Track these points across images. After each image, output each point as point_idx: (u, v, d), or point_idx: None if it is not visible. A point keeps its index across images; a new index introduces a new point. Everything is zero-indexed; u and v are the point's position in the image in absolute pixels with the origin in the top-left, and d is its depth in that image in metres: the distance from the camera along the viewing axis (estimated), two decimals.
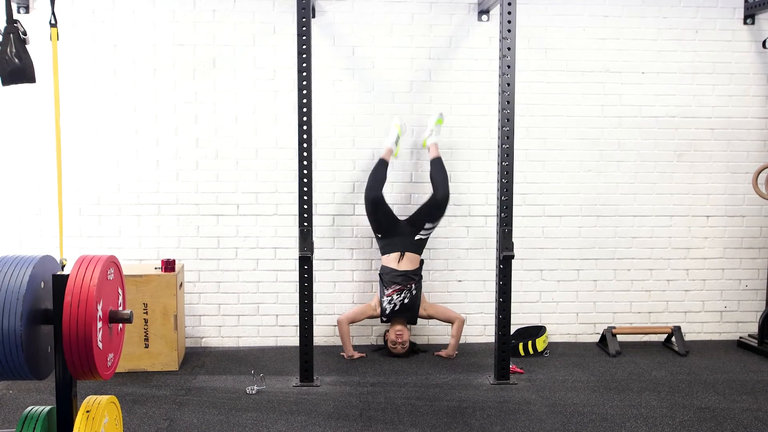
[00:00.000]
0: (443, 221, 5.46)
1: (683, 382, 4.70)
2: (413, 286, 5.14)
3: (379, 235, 5.26)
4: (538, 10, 5.42)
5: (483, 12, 5.41)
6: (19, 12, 5.07)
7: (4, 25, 4.08)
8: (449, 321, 5.24)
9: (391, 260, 5.18)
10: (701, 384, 4.66)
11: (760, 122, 5.60)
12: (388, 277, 5.15)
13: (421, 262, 5.25)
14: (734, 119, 5.59)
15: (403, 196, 5.48)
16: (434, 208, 5.22)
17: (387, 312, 5.14)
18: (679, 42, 5.53)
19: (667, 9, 5.51)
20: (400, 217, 5.30)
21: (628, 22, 5.50)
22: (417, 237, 5.21)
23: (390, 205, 5.27)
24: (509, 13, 4.47)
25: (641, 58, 5.52)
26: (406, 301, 5.12)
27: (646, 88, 5.54)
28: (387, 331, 5.26)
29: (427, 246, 5.39)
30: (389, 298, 5.12)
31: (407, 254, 5.19)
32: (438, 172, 5.26)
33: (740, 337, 5.60)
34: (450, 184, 5.43)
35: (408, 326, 5.23)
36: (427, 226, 5.23)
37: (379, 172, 5.26)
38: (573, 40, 5.49)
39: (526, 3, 5.33)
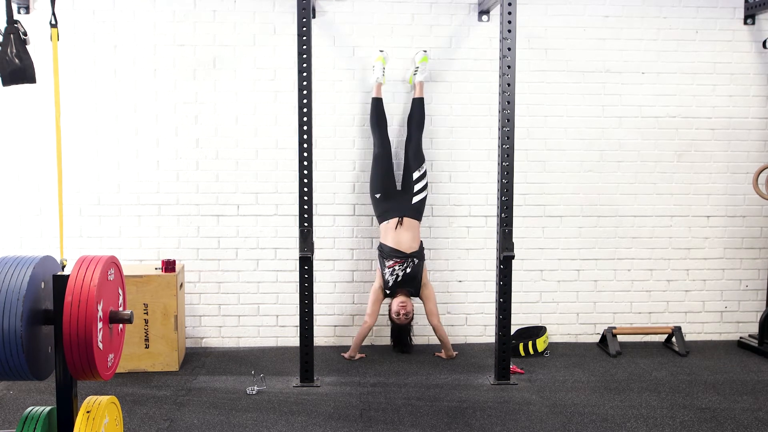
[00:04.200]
0: (443, 221, 5.47)
1: (684, 382, 4.70)
2: (415, 258, 5.12)
3: (378, 195, 5.22)
4: (538, 10, 5.42)
5: (483, 12, 5.40)
6: (19, 12, 5.07)
7: (5, 25, 4.09)
8: (429, 317, 5.17)
9: (390, 229, 5.13)
10: (702, 384, 4.66)
11: (760, 122, 5.60)
12: (387, 253, 5.12)
13: (422, 245, 5.21)
14: (734, 119, 5.59)
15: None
16: (413, 154, 5.26)
17: (390, 284, 5.10)
18: (679, 42, 5.53)
19: (667, 9, 5.51)
20: (397, 188, 5.32)
21: (629, 22, 5.50)
22: (414, 200, 5.19)
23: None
24: (509, 13, 4.47)
25: (641, 59, 5.52)
26: (408, 270, 5.09)
27: (647, 88, 5.54)
28: (390, 303, 5.22)
29: (427, 246, 5.39)
30: (391, 269, 5.09)
31: (406, 220, 5.14)
32: (417, 114, 5.31)
33: (740, 338, 5.60)
34: (450, 185, 5.44)
35: (410, 297, 5.19)
36: (416, 176, 5.22)
37: (379, 117, 5.29)
38: (573, 41, 5.49)
39: (527, 3, 5.33)
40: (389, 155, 5.31)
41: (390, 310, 5.21)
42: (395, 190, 5.29)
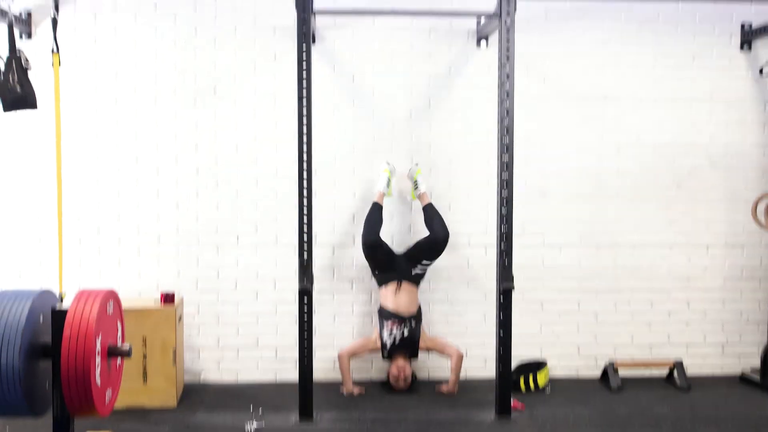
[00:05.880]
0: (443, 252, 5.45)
1: (685, 418, 4.65)
2: (413, 320, 5.11)
3: (377, 272, 5.25)
4: (536, 37, 5.42)
5: (482, 39, 5.41)
6: (21, 38, 5.04)
7: (7, 53, 4.08)
8: (447, 355, 5.20)
9: (389, 293, 5.14)
10: (704, 420, 4.61)
11: (757, 149, 5.60)
12: (386, 314, 5.12)
13: (419, 308, 5.21)
14: (732, 146, 5.58)
15: (404, 227, 5.45)
16: (433, 247, 5.24)
17: (388, 346, 5.10)
18: (676, 69, 5.54)
19: (664, 36, 5.52)
20: (397, 251, 5.30)
21: (626, 49, 5.50)
22: (414, 271, 5.21)
23: (389, 238, 5.30)
24: (508, 40, 4.48)
25: (639, 85, 5.52)
26: (406, 333, 5.08)
27: (645, 114, 5.53)
28: (389, 367, 5.21)
29: (427, 278, 5.34)
30: (389, 330, 5.08)
31: (404, 284, 5.15)
32: (433, 216, 5.29)
33: (743, 372, 5.55)
34: (449, 214, 5.42)
35: (409, 360, 5.19)
36: (425, 262, 5.24)
37: (374, 217, 5.26)
38: (571, 67, 5.49)
39: (525, 31, 5.31)
40: (380, 241, 5.24)
41: (389, 375, 5.19)
42: (393, 257, 5.26)
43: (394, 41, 5.41)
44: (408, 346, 5.11)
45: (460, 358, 5.16)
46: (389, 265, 5.20)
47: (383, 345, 5.12)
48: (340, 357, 5.13)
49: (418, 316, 5.16)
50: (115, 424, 4.39)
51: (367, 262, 5.26)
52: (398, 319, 5.08)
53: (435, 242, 5.22)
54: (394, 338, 5.07)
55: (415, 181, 5.33)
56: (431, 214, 5.29)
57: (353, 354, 5.17)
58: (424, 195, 5.34)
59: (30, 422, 4.33)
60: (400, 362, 5.10)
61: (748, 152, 5.62)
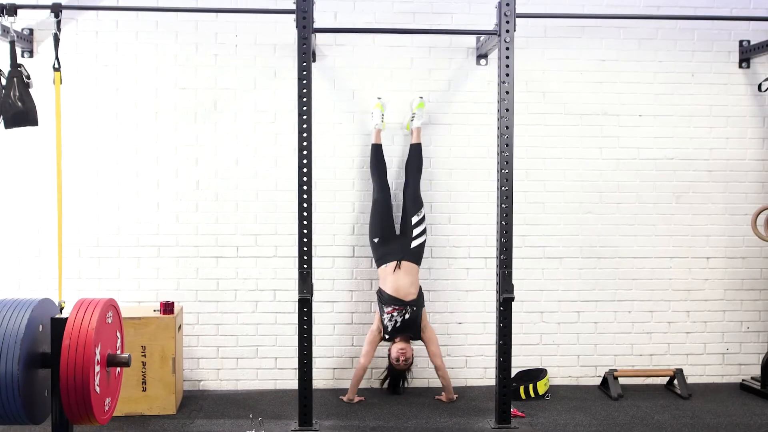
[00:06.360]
0: (443, 263, 5.48)
1: (686, 425, 4.64)
2: (413, 305, 5.09)
3: (376, 240, 5.24)
4: (535, 54, 5.48)
5: (481, 56, 5.47)
6: (23, 56, 5.12)
7: (8, 69, 4.16)
8: (432, 358, 5.16)
9: (388, 273, 5.12)
10: (704, 428, 4.60)
11: (757, 164, 5.63)
12: (386, 299, 5.10)
13: (420, 292, 5.19)
14: (732, 161, 5.62)
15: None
16: (411, 199, 5.29)
17: (389, 329, 5.08)
18: (675, 85, 5.58)
19: (663, 53, 5.57)
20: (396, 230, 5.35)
21: (625, 66, 5.55)
22: (413, 244, 5.20)
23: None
24: (507, 57, 4.54)
25: (639, 101, 5.57)
26: (407, 316, 5.06)
27: (644, 130, 5.57)
28: (389, 348, 5.20)
29: (427, 288, 5.37)
30: (389, 315, 5.06)
31: (404, 263, 5.14)
32: (415, 160, 5.35)
33: (743, 380, 5.54)
34: (449, 226, 5.45)
35: (410, 342, 5.16)
36: (414, 220, 5.23)
37: (379, 159, 5.33)
38: (571, 84, 5.54)
39: (524, 47, 5.40)
40: (388, 200, 5.33)
41: (389, 356, 5.18)
42: (394, 234, 5.30)
43: (394, 58, 5.47)
44: (409, 329, 5.08)
45: (443, 368, 5.14)
46: (388, 234, 5.22)
47: (384, 328, 5.10)
48: (361, 368, 5.11)
49: (419, 301, 5.12)
50: None
51: (369, 223, 5.31)
52: (398, 304, 5.06)
53: (410, 194, 5.31)
54: (395, 322, 5.05)
55: (414, 113, 5.35)
56: (416, 157, 5.36)
57: (371, 358, 5.16)
58: (417, 131, 5.37)
59: (29, 430, 4.37)
60: (401, 344, 5.08)
61: (747, 166, 5.64)
